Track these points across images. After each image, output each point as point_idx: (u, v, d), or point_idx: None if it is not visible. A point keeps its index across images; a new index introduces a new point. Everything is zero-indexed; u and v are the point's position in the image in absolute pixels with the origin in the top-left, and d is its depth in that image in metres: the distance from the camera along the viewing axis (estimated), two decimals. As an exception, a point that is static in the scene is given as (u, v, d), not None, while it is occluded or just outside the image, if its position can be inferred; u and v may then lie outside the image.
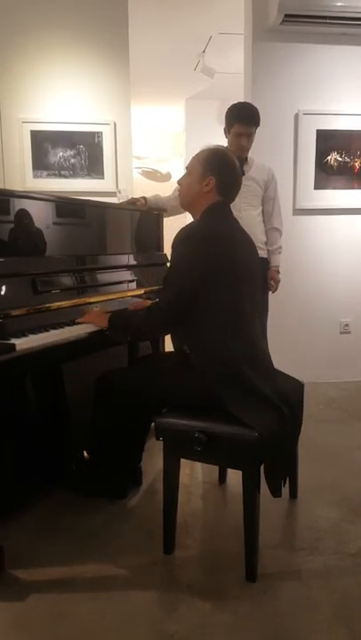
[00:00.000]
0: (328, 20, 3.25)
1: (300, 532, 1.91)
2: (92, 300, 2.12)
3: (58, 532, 1.87)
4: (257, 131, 2.85)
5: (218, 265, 1.68)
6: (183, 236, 1.75)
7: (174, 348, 1.91)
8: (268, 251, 3.03)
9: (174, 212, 2.96)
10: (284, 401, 1.72)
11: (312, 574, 1.64)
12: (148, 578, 1.63)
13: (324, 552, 1.76)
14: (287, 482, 2.02)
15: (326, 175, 3.58)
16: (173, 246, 1.77)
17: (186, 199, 1.88)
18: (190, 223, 1.83)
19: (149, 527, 1.88)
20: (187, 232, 1.76)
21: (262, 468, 1.60)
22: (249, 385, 1.66)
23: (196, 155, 1.85)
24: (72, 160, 3.59)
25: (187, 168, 1.88)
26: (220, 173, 1.78)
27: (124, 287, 2.39)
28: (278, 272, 3.08)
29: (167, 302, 1.75)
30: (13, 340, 1.59)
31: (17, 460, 1.96)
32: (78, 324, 1.90)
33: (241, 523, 1.60)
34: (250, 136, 2.83)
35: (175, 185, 3.09)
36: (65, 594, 1.55)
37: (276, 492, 1.64)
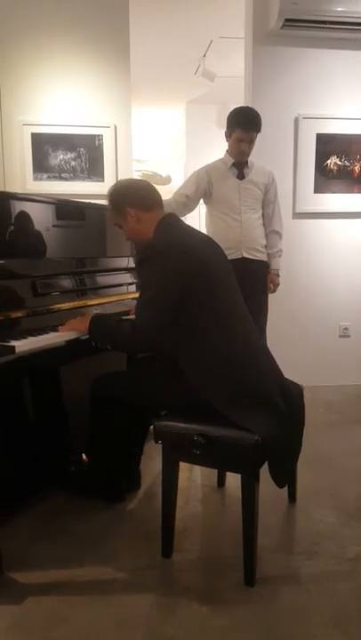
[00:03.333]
0: (328, 25, 3.26)
1: (298, 537, 1.91)
2: (92, 302, 2.12)
3: (56, 535, 1.86)
4: (257, 135, 2.86)
5: (189, 273, 1.67)
6: (144, 257, 1.73)
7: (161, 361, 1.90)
8: (268, 254, 3.03)
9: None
10: (287, 400, 1.72)
11: (310, 579, 1.64)
12: (146, 581, 1.63)
13: (322, 557, 1.76)
14: (286, 486, 2.02)
15: (326, 179, 3.59)
16: (137, 269, 1.75)
17: (138, 238, 1.89)
18: (145, 244, 1.80)
19: (148, 530, 1.87)
20: (146, 252, 1.73)
21: (267, 465, 1.61)
22: (248, 388, 1.66)
23: (110, 213, 1.94)
24: (72, 163, 3.59)
25: (117, 225, 1.93)
26: (128, 198, 1.84)
27: (123, 290, 2.39)
28: (278, 275, 3.08)
29: (147, 323, 1.69)
30: (13, 342, 1.59)
31: (15, 461, 1.96)
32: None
33: (239, 526, 1.60)
34: (251, 142, 2.84)
35: (175, 189, 3.11)
36: (63, 597, 1.55)
37: (282, 485, 1.67)
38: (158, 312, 1.68)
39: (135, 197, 1.84)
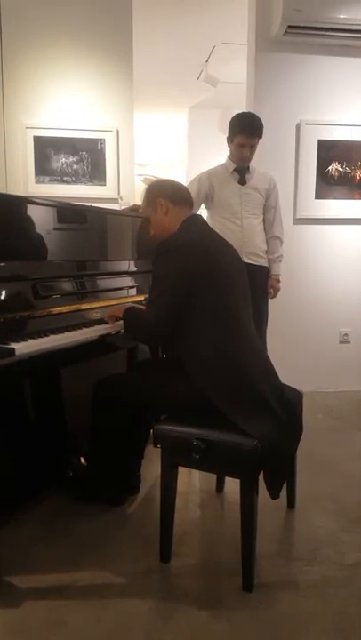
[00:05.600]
0: (331, 32, 3.27)
1: (297, 542, 1.90)
2: (93, 305, 2.12)
3: (54, 539, 1.85)
4: (259, 140, 2.87)
5: (201, 271, 1.70)
6: (162, 250, 1.78)
7: (166, 356, 1.92)
8: (268, 259, 3.04)
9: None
10: (285, 406, 1.72)
11: (309, 585, 1.63)
12: (145, 586, 1.62)
13: (321, 562, 1.75)
14: (285, 491, 2.01)
15: (327, 185, 3.60)
16: (153, 261, 1.80)
17: (162, 232, 1.94)
18: (166, 238, 1.86)
19: (146, 535, 1.87)
20: (165, 245, 1.79)
21: (262, 473, 1.60)
22: (248, 389, 1.66)
23: (142, 204, 2.05)
24: (74, 166, 3.60)
25: (146, 219, 2.02)
26: (161, 190, 1.94)
27: (124, 293, 2.39)
28: (279, 281, 3.08)
29: (156, 315, 1.75)
30: (13, 345, 1.58)
31: (13, 464, 1.95)
32: (96, 324, 1.98)
33: (238, 532, 1.59)
34: (252, 147, 2.85)
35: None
36: (60, 601, 1.54)
37: (275, 496, 1.64)
38: (166, 308, 1.72)
39: (168, 190, 1.95)
